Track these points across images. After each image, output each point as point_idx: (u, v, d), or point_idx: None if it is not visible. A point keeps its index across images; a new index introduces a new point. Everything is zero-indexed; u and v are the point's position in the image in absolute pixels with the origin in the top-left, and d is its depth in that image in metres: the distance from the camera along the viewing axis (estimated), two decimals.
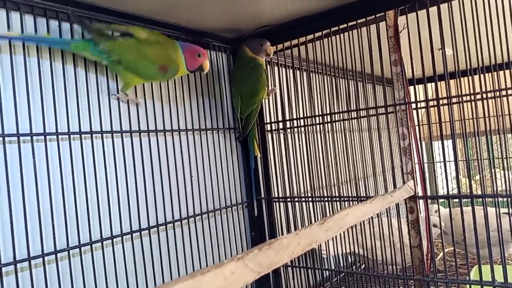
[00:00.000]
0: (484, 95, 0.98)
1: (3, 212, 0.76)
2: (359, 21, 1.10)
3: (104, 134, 0.94)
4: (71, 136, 0.87)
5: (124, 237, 0.95)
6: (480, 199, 0.98)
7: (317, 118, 1.24)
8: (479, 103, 0.98)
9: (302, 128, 1.30)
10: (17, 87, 0.79)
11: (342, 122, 1.23)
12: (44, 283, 0.79)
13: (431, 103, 1.02)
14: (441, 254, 1.71)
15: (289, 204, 1.30)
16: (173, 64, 0.97)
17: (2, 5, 0.78)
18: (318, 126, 1.25)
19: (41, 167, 0.81)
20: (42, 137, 0.82)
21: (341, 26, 1.13)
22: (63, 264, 0.84)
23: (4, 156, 0.75)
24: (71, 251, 0.84)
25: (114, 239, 0.93)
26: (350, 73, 1.19)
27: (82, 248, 0.86)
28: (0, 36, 0.76)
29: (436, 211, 1.59)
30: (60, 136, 0.85)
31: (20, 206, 0.77)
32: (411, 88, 1.12)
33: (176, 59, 0.97)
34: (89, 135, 0.91)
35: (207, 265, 1.13)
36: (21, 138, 0.79)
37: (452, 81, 0.99)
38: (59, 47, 0.85)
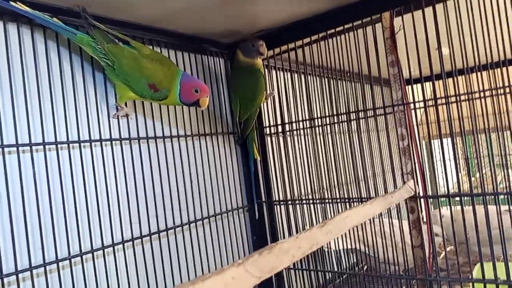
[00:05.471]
0: (482, 94, 0.98)
1: (3, 222, 0.76)
2: (355, 23, 1.10)
3: (103, 142, 0.94)
4: (70, 145, 0.87)
5: (125, 244, 0.95)
6: (481, 197, 0.98)
7: (315, 120, 1.24)
8: (477, 101, 0.98)
9: (301, 131, 1.30)
10: (15, 97, 0.79)
11: (340, 124, 1.23)
12: None
13: (429, 103, 1.02)
14: (443, 253, 1.71)
15: (290, 206, 1.30)
16: (165, 87, 0.94)
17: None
18: (317, 128, 1.25)
19: (41, 176, 0.82)
20: (42, 146, 0.83)
21: (337, 29, 1.14)
22: (65, 272, 0.84)
23: (4, 167, 0.76)
24: (72, 260, 0.84)
25: (116, 247, 0.93)
26: (348, 75, 1.19)
27: (84, 256, 0.86)
28: (13, 7, 0.76)
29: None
30: (59, 145, 0.85)
31: (20, 216, 0.77)
32: (409, 88, 1.12)
33: (170, 84, 0.95)
34: (88, 143, 0.91)
35: (209, 271, 1.13)
36: (20, 148, 0.79)
37: (449, 80, 0.99)
38: (66, 34, 0.85)
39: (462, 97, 0.99)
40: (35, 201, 0.80)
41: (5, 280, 0.74)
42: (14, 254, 0.75)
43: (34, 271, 0.78)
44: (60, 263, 0.82)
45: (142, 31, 1.04)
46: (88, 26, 0.85)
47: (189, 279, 1.08)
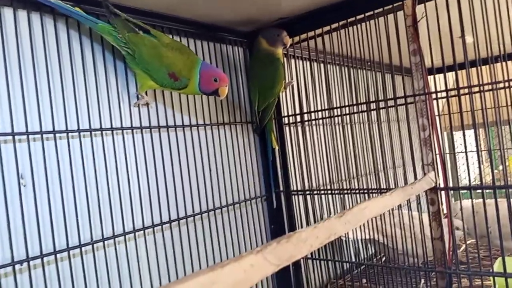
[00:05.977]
0: (506, 84, 0.95)
1: (28, 208, 0.78)
2: (376, 11, 1.08)
3: (124, 130, 0.95)
4: (93, 132, 0.89)
5: (146, 230, 0.97)
6: (503, 190, 0.96)
7: (335, 110, 1.23)
8: (501, 92, 0.96)
9: (320, 121, 1.29)
10: (39, 86, 0.81)
11: (360, 113, 1.22)
12: (70, 276, 0.82)
13: (451, 93, 1.00)
14: (464, 246, 1.69)
15: (308, 197, 1.30)
16: (184, 76, 0.95)
17: None
18: (336, 118, 1.24)
19: (64, 163, 0.84)
20: (65, 134, 0.85)
21: (358, 17, 1.12)
22: (88, 257, 0.86)
23: (29, 153, 0.78)
24: (95, 245, 0.87)
25: (137, 233, 0.95)
26: (368, 64, 1.18)
27: (106, 242, 0.89)
28: None
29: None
30: (82, 133, 0.87)
31: (45, 202, 0.80)
32: (431, 77, 1.10)
33: (189, 73, 0.95)
34: (110, 131, 0.93)
35: (227, 258, 1.14)
36: (44, 135, 0.81)
37: (473, 70, 0.96)
38: (88, 23, 0.87)
39: (486, 87, 0.96)
40: (58, 187, 0.82)
41: (31, 263, 0.77)
42: (39, 239, 0.78)
43: (58, 255, 0.81)
44: (83, 248, 0.84)
45: (161, 19, 1.05)
46: (109, 14, 0.86)
47: (208, 265, 1.10)
